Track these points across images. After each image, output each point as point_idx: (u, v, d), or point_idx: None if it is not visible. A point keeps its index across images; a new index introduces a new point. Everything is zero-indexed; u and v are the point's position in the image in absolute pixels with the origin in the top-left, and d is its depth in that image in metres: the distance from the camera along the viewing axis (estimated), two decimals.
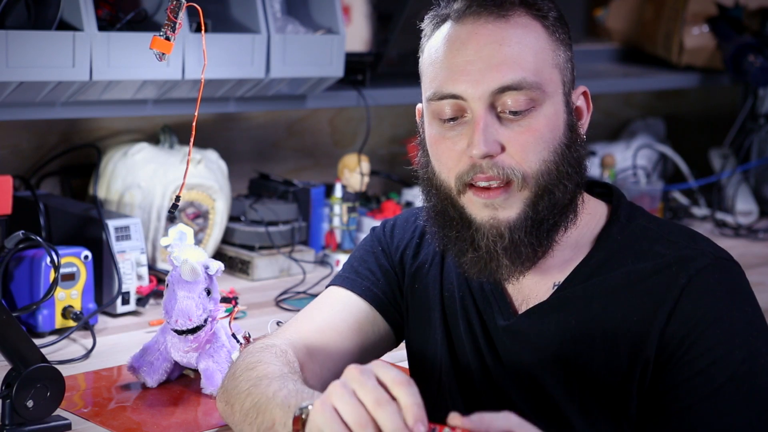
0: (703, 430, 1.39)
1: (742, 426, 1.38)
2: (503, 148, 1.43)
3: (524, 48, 1.44)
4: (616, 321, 1.45)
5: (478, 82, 1.43)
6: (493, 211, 1.45)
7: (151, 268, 2.25)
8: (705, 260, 1.45)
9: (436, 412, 1.59)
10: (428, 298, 1.61)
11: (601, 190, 1.59)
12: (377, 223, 2.57)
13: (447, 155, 1.46)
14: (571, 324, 1.48)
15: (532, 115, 1.44)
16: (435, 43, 1.48)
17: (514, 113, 1.44)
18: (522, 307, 1.53)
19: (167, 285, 1.78)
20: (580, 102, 1.52)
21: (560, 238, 1.49)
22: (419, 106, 1.56)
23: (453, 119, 1.46)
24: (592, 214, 1.54)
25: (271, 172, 2.70)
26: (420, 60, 1.52)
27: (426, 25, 1.51)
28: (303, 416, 1.29)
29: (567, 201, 1.47)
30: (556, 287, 1.51)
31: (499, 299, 1.54)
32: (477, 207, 1.46)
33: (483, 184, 1.44)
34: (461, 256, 1.49)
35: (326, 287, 1.69)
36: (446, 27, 1.47)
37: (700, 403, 1.39)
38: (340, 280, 1.66)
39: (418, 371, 1.63)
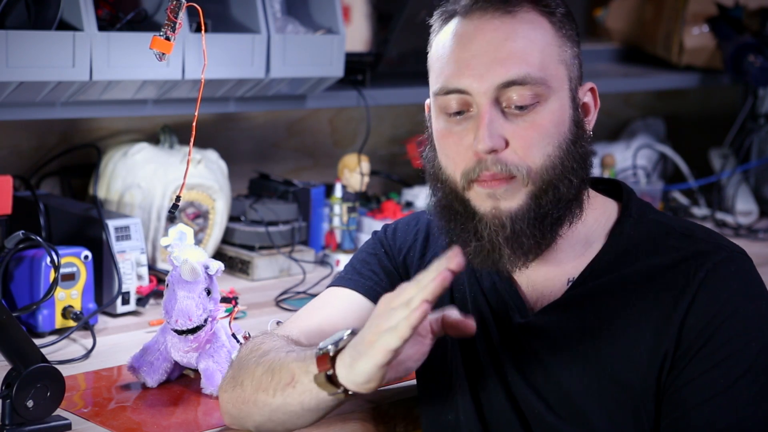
0: (722, 423, 1.40)
1: (760, 417, 1.40)
2: (507, 143, 1.44)
3: (530, 43, 1.45)
4: (635, 316, 1.46)
5: (483, 77, 1.44)
6: (495, 201, 1.46)
7: (151, 268, 2.25)
8: (722, 254, 1.47)
9: (447, 412, 1.59)
10: (437, 299, 1.61)
11: (606, 186, 1.60)
12: (377, 223, 2.58)
13: (454, 150, 1.48)
14: (589, 320, 1.48)
15: (536, 110, 1.45)
16: (442, 39, 1.49)
17: (519, 108, 1.45)
18: (537, 304, 1.53)
19: (167, 285, 1.78)
20: (587, 98, 1.53)
21: (564, 233, 1.50)
22: (427, 101, 1.57)
23: (459, 114, 1.47)
24: (602, 210, 1.54)
25: (271, 172, 2.70)
26: (428, 55, 1.53)
27: (434, 20, 1.53)
28: (330, 353, 1.36)
29: (572, 196, 1.48)
30: (570, 283, 1.51)
31: (514, 297, 1.54)
32: (481, 199, 1.47)
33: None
34: (465, 246, 1.49)
35: (326, 288, 1.69)
36: (454, 22, 1.49)
37: (718, 396, 1.41)
38: (342, 281, 1.66)
39: (426, 373, 1.63)
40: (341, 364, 1.36)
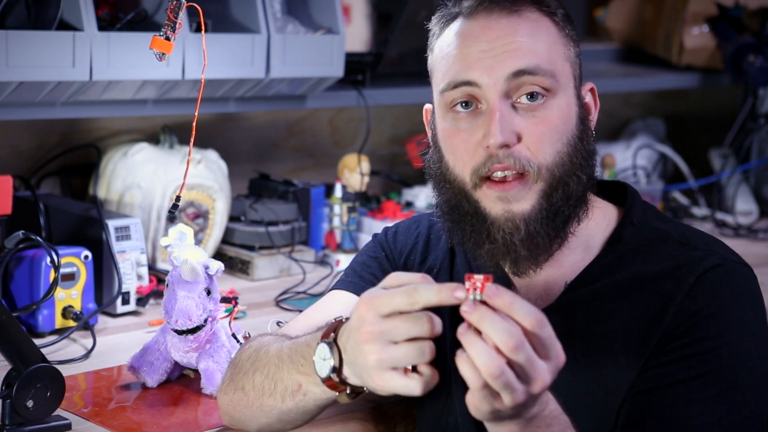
0: (664, 413, 1.38)
1: (708, 419, 1.38)
2: (519, 138, 1.44)
3: (537, 39, 1.45)
4: (625, 322, 1.46)
5: (493, 69, 1.43)
6: (507, 204, 1.45)
7: (151, 268, 2.25)
8: (713, 261, 1.46)
9: (447, 415, 1.59)
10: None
11: (611, 189, 1.59)
12: (377, 223, 2.58)
13: (462, 147, 1.46)
14: (580, 325, 1.48)
15: (546, 105, 1.45)
16: (446, 39, 1.49)
17: (530, 100, 1.44)
18: None
19: (167, 285, 1.78)
20: (587, 98, 1.53)
21: (575, 230, 1.49)
22: (427, 106, 1.56)
23: (467, 110, 1.46)
24: (603, 215, 1.54)
25: (271, 172, 2.70)
26: (429, 58, 1.52)
27: (434, 24, 1.52)
28: (335, 381, 1.36)
29: (580, 192, 1.48)
30: (566, 287, 1.51)
31: None
32: (491, 200, 1.46)
33: (499, 174, 1.44)
34: (478, 248, 1.48)
35: (328, 291, 1.69)
36: (457, 24, 1.48)
37: (668, 387, 1.39)
38: (342, 284, 1.66)
39: None
40: (350, 378, 1.35)
